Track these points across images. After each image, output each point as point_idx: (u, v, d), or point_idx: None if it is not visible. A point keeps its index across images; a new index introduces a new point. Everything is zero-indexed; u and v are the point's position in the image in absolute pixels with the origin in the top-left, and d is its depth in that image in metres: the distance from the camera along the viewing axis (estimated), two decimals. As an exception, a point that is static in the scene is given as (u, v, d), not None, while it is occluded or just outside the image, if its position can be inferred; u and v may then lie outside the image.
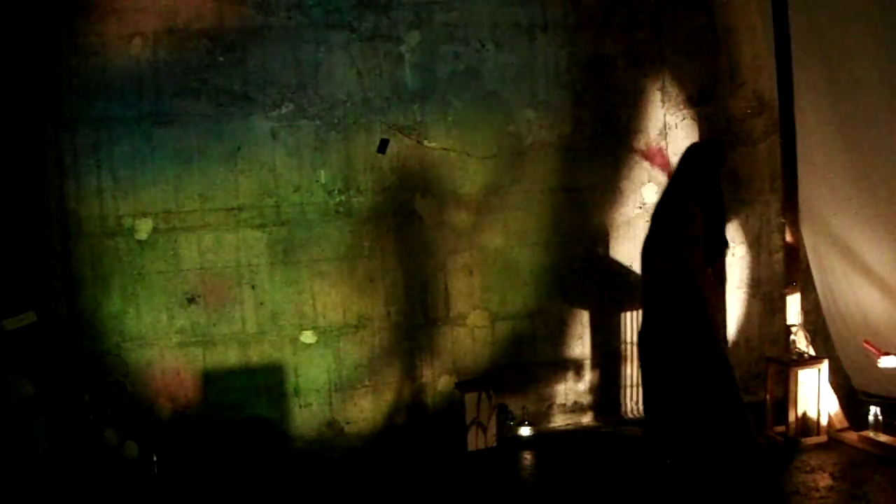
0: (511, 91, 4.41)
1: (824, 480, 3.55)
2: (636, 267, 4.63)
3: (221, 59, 4.10)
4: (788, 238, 4.25)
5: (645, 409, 3.80)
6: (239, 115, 4.13)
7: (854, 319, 4.08)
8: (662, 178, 4.64)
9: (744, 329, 4.82)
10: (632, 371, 4.66)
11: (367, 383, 4.33)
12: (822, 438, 4.00)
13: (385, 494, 3.69)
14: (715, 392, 3.49)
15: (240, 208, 4.15)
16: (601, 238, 4.59)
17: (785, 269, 4.30)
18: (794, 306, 4.23)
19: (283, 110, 4.17)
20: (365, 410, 4.33)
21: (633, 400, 4.67)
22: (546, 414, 4.56)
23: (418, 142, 4.31)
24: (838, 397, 4.11)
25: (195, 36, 4.06)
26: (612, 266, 4.61)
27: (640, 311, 3.89)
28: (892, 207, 3.79)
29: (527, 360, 4.51)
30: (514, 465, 4.00)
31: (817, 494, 3.41)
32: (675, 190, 3.70)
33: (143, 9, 4.00)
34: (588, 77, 4.50)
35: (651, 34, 4.58)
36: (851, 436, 3.96)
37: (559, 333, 4.54)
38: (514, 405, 4.42)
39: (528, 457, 4.10)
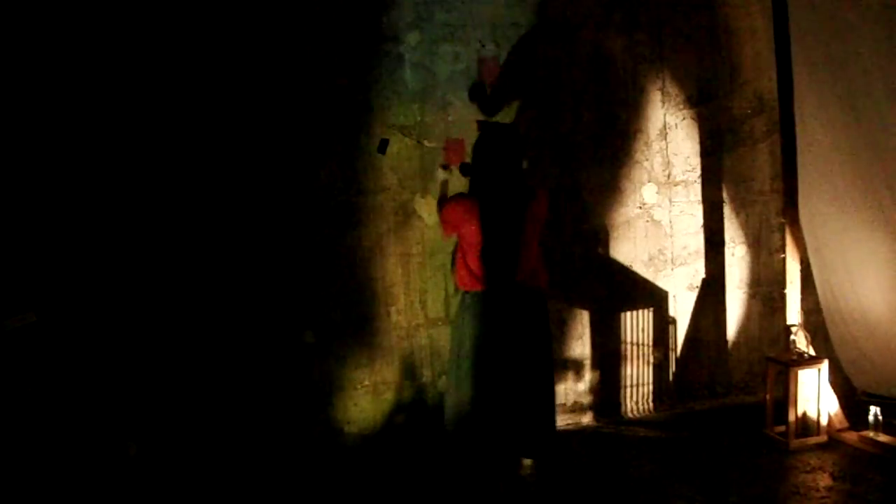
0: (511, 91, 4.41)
1: (824, 480, 3.55)
2: (636, 267, 4.65)
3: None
4: (788, 238, 4.26)
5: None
6: (239, 115, 4.13)
7: (855, 319, 4.08)
8: (659, 177, 4.65)
9: (744, 329, 4.83)
10: (632, 371, 4.66)
11: (366, 383, 4.33)
12: (822, 438, 4.00)
13: (385, 495, 3.69)
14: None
15: (240, 208, 4.15)
16: (601, 238, 4.59)
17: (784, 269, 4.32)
18: (794, 306, 4.24)
19: (283, 110, 4.17)
20: (365, 410, 4.33)
21: (633, 400, 4.68)
22: (546, 414, 4.55)
23: (418, 142, 4.31)
24: (838, 397, 4.12)
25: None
26: (612, 266, 4.61)
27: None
28: (894, 206, 3.78)
29: (527, 360, 4.51)
30: (514, 465, 3.99)
31: (817, 494, 3.41)
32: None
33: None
34: (588, 77, 4.50)
35: (651, 34, 4.58)
36: (851, 436, 3.97)
37: (559, 333, 4.54)
38: (514, 405, 4.42)
39: (528, 457, 4.10)
